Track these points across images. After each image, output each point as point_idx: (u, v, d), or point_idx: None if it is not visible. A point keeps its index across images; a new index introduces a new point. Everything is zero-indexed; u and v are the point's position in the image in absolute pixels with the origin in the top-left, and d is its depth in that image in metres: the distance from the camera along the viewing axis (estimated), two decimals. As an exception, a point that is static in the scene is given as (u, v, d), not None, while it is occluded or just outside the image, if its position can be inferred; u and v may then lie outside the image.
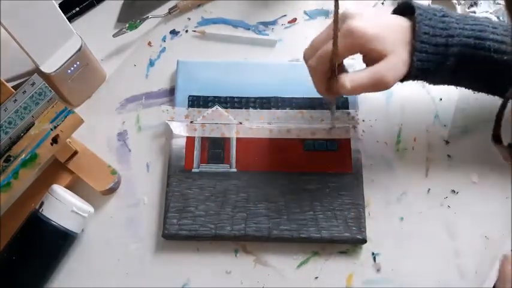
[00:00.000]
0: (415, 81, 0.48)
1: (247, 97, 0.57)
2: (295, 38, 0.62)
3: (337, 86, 0.44)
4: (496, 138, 0.37)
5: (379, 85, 0.44)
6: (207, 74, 0.58)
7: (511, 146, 0.36)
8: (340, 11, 0.39)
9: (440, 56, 0.45)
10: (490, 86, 0.50)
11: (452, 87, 0.50)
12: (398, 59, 0.44)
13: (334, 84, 0.45)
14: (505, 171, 0.53)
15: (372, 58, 0.45)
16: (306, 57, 0.47)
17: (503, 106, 0.38)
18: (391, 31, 0.45)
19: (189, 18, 0.63)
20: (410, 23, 0.46)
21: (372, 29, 0.43)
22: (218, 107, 0.56)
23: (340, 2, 0.38)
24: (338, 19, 0.39)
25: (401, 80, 0.48)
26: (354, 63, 0.51)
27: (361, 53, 0.46)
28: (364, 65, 0.47)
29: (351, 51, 0.44)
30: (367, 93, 0.52)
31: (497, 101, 0.51)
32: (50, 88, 0.49)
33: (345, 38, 0.43)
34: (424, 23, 0.45)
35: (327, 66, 0.44)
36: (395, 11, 0.49)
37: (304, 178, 0.53)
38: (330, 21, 0.43)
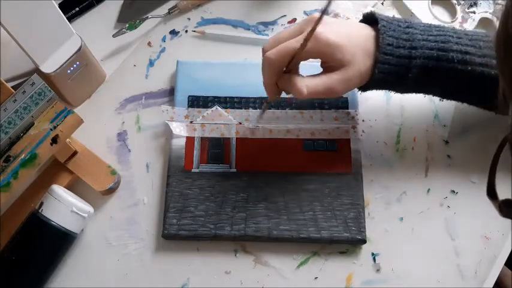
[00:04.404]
0: (377, 90, 0.48)
1: (247, 97, 0.57)
2: (295, 38, 0.62)
3: (293, 88, 0.44)
4: (491, 193, 0.32)
5: (330, 94, 0.45)
6: (207, 74, 0.58)
7: (506, 202, 0.31)
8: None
9: (403, 67, 0.45)
10: (457, 94, 0.50)
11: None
12: (354, 71, 0.44)
13: (288, 84, 0.44)
14: (504, 171, 0.53)
15: (330, 65, 0.45)
16: (266, 49, 0.46)
17: (497, 155, 0.33)
18: (353, 42, 0.45)
19: (189, 18, 0.63)
20: (375, 33, 0.46)
21: (334, 38, 0.43)
22: (218, 107, 0.56)
23: (340, 2, 0.38)
24: (318, 21, 0.38)
25: (362, 89, 0.48)
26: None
27: (320, 59, 0.46)
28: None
29: (312, 55, 0.45)
30: (367, 94, 0.52)
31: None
32: (49, 88, 0.49)
33: (309, 41, 0.42)
34: (387, 34, 0.45)
35: (284, 62, 0.44)
36: (363, 20, 0.49)
37: (304, 178, 0.53)
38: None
